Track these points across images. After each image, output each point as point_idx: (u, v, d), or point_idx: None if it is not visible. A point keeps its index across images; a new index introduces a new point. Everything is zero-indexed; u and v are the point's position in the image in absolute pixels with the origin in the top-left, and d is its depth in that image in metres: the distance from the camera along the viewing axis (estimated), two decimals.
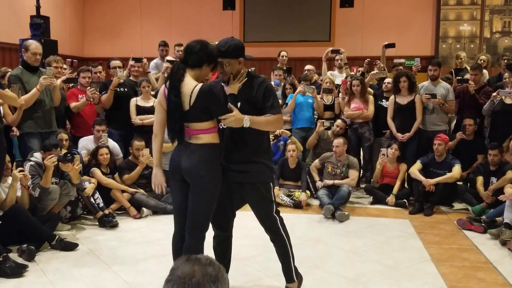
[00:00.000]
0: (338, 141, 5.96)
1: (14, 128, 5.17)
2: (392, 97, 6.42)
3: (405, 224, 5.21)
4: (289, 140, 6.48)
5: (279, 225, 3.18)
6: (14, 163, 4.69)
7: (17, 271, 3.67)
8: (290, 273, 3.30)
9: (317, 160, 6.08)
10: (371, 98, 6.64)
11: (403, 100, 6.29)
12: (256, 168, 3.05)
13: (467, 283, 3.64)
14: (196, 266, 1.20)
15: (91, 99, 5.92)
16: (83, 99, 5.92)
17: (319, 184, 5.97)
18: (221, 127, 3.00)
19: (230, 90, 3.01)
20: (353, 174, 5.95)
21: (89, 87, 5.90)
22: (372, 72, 7.27)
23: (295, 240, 4.62)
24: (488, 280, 3.71)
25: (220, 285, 1.17)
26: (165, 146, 3.40)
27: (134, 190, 5.51)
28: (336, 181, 5.87)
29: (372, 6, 11.70)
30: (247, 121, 2.85)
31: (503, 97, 6.00)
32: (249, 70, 3.15)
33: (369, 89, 6.83)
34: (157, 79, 6.79)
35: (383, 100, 6.69)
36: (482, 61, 7.34)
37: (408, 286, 3.58)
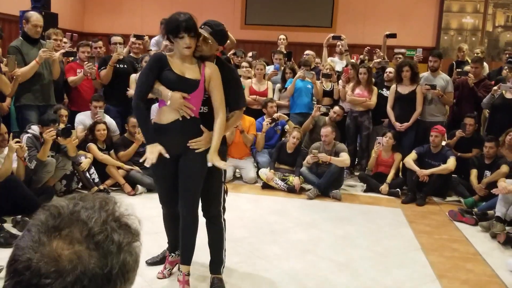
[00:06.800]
0: (326, 130, 5.88)
1: None
2: (393, 86, 6.41)
3: (397, 212, 5.26)
4: (287, 126, 6.48)
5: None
6: (11, 134, 4.68)
7: (11, 241, 3.68)
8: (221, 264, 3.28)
9: (308, 157, 5.99)
10: (375, 89, 6.61)
11: (405, 89, 6.28)
12: None
13: (455, 273, 3.69)
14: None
15: (89, 74, 5.89)
16: (81, 73, 5.90)
17: (308, 160, 5.88)
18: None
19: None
20: (343, 156, 5.85)
21: (86, 62, 5.87)
22: (375, 61, 7.25)
23: (288, 224, 4.69)
24: (476, 271, 3.76)
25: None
26: None
27: (130, 167, 5.53)
28: (333, 158, 5.72)
29: None
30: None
31: (503, 91, 5.99)
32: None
33: None
34: None
35: (384, 89, 6.69)
36: (477, 54, 7.32)
37: (397, 273, 3.63)
